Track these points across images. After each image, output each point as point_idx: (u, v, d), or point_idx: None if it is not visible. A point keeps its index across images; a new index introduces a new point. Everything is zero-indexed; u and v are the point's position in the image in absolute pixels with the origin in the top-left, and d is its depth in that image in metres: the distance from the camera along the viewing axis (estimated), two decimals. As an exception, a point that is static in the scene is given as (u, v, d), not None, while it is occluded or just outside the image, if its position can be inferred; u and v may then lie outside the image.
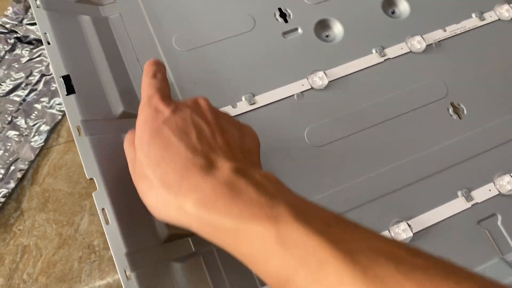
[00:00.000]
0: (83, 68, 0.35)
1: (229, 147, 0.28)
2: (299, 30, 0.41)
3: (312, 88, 0.39)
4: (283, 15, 0.42)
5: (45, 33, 0.35)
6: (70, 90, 0.33)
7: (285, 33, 0.41)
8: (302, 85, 0.39)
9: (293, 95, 0.39)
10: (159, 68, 0.32)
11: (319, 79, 0.39)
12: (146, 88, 0.30)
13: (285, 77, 0.39)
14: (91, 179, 0.31)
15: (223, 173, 0.25)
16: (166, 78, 0.32)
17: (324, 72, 0.39)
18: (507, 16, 0.43)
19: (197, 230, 0.25)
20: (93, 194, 0.31)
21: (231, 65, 0.39)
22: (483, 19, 0.43)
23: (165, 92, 0.30)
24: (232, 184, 0.24)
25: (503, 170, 0.37)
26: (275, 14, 0.42)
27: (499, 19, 0.43)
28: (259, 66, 0.40)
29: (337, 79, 0.40)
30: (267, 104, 0.38)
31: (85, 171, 0.31)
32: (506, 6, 0.43)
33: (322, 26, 0.42)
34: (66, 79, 0.34)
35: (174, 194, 0.25)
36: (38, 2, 0.36)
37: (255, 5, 0.42)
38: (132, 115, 0.35)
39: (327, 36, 0.42)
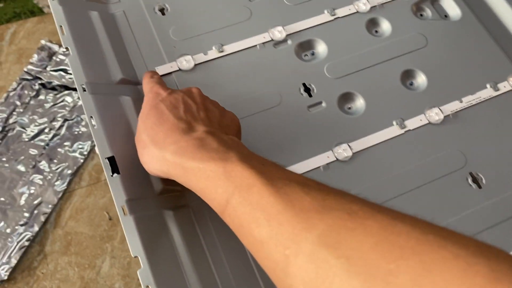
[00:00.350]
0: (126, 148, 0.38)
1: (209, 120, 0.35)
2: (323, 104, 0.44)
3: (337, 159, 0.41)
4: (307, 89, 0.45)
5: (91, 116, 0.38)
6: (114, 170, 0.36)
7: (309, 107, 0.44)
8: (328, 157, 0.41)
9: (319, 166, 0.41)
10: (155, 73, 0.42)
11: (344, 151, 0.42)
12: (147, 84, 0.39)
13: (311, 149, 0.42)
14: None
15: (197, 133, 0.33)
16: (161, 78, 0.41)
17: (348, 144, 0.42)
18: (520, 86, 0.46)
19: (172, 173, 0.33)
20: (138, 273, 0.33)
21: (260, 139, 0.42)
22: (498, 90, 0.45)
23: (163, 83, 0.39)
24: (201, 139, 0.32)
25: (523, 239, 0.39)
26: (299, 89, 0.45)
27: (512, 89, 0.46)
28: (286, 138, 0.42)
29: (360, 150, 0.42)
30: (295, 176, 0.41)
31: (130, 249, 0.34)
32: (518, 77, 0.46)
33: (345, 99, 0.45)
34: (111, 160, 0.37)
35: (159, 148, 0.33)
36: (84, 87, 0.39)
37: (281, 81, 0.45)
38: (172, 190, 0.38)
39: (350, 108, 0.45)
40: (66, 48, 0.41)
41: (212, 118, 0.36)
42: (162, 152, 0.32)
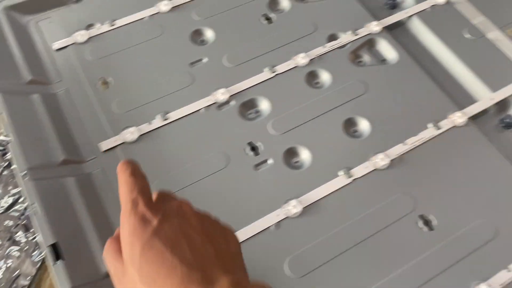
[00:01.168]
0: (70, 232, 0.37)
1: (220, 256, 0.28)
2: (270, 161, 0.44)
3: (287, 217, 0.41)
4: (254, 148, 0.45)
5: (33, 203, 0.38)
6: (59, 257, 0.36)
7: (257, 165, 0.44)
8: (277, 215, 0.41)
9: (270, 226, 0.41)
10: (135, 166, 0.30)
11: (293, 207, 0.42)
12: (126, 189, 0.28)
13: (260, 209, 0.42)
14: None
15: None
16: (143, 174, 0.30)
17: (298, 200, 0.42)
18: (460, 122, 0.46)
19: None
20: None
21: (209, 204, 0.42)
22: (439, 128, 0.46)
23: (148, 195, 0.29)
24: None
25: (479, 279, 0.38)
26: (244, 149, 0.45)
27: (454, 126, 0.46)
28: (235, 201, 0.42)
29: (310, 204, 0.42)
30: (247, 239, 0.40)
31: None
32: (458, 113, 0.47)
33: (290, 154, 0.45)
34: (54, 247, 0.36)
35: None
36: (24, 174, 0.39)
37: (226, 143, 0.45)
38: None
39: (296, 162, 0.45)
40: (7, 135, 0.41)
41: (221, 251, 0.28)
42: None
